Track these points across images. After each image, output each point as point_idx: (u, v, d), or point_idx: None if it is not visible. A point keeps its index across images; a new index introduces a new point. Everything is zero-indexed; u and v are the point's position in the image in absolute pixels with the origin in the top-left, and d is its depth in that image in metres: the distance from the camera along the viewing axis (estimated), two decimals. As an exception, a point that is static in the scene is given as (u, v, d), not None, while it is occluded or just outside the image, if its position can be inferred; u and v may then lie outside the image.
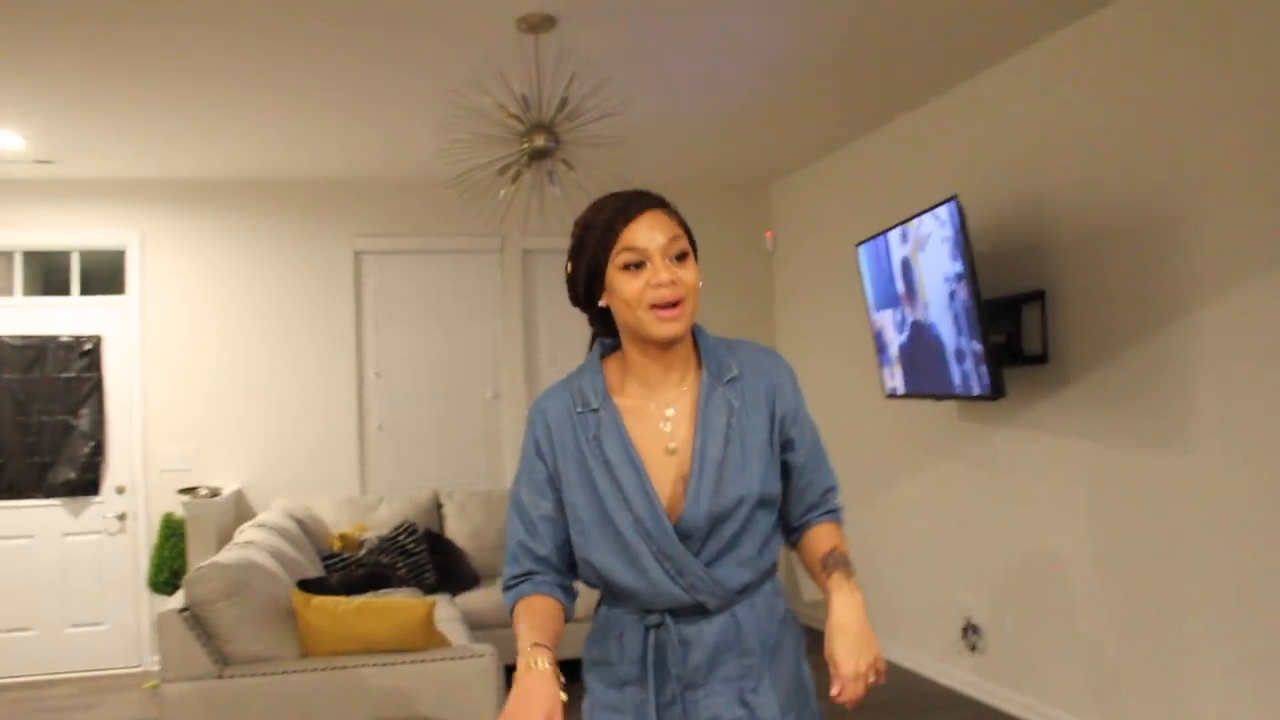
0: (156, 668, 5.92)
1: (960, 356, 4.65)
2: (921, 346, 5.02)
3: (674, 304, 1.79)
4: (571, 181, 4.58)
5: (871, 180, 6.20)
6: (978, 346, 4.46)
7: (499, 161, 4.43)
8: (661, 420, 1.88)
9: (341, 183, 6.90)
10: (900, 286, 5.13)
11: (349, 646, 3.88)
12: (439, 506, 6.57)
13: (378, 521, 6.28)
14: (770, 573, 1.96)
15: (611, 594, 1.92)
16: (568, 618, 1.91)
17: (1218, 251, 3.82)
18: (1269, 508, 3.62)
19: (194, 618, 3.78)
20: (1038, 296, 4.70)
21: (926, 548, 5.68)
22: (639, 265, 1.79)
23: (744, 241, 7.51)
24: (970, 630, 5.31)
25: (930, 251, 4.73)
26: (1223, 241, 3.80)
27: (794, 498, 1.98)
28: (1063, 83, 4.59)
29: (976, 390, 4.58)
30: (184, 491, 6.21)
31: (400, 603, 4.02)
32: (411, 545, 5.96)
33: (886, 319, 5.38)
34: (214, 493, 6.27)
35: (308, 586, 4.31)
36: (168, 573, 6.07)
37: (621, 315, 1.83)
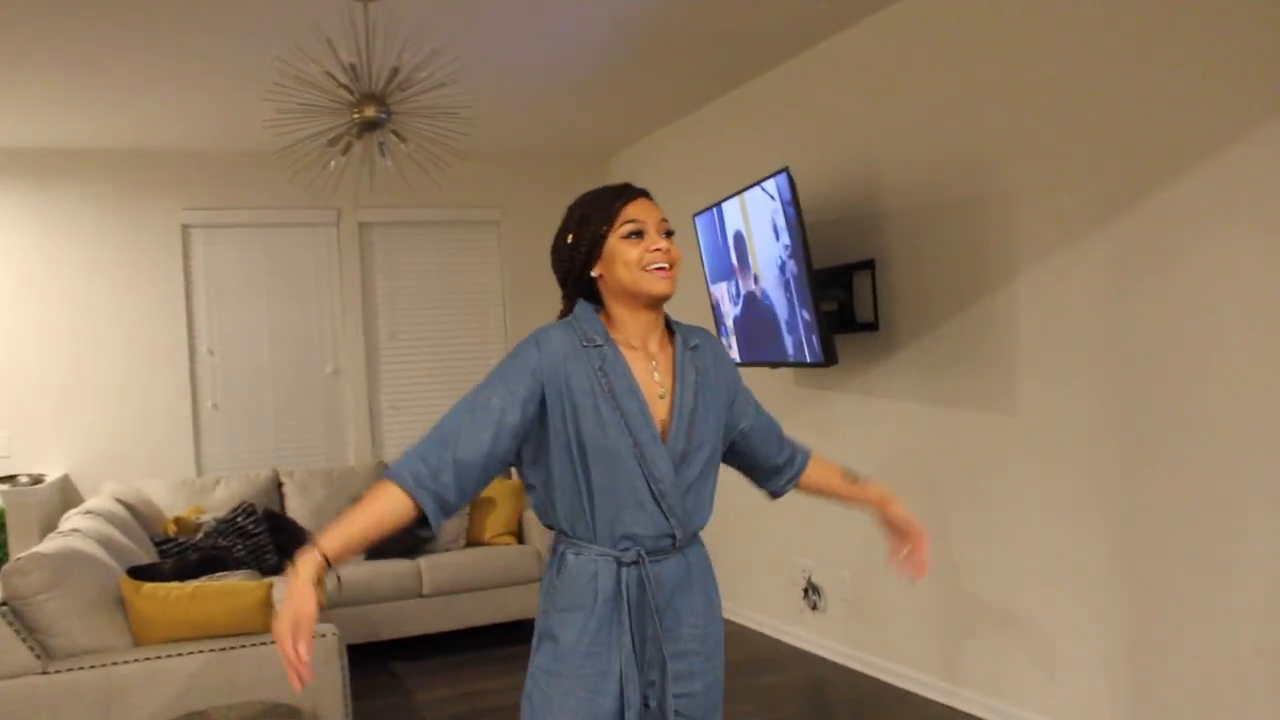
0: (-22, 664, 5.65)
1: (792, 326, 4.76)
2: (755, 317, 5.12)
3: (668, 267, 2.10)
4: (403, 153, 4.51)
5: (708, 152, 6.28)
6: (809, 315, 4.58)
7: (328, 132, 4.33)
8: (651, 370, 2.14)
9: (167, 153, 6.63)
10: (733, 259, 5.22)
11: (183, 633, 3.77)
12: (279, 485, 6.42)
13: (215, 503, 6.10)
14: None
15: (588, 528, 2.08)
16: (410, 527, 2.00)
17: (1032, 225, 4.02)
18: (1090, 463, 3.84)
19: (13, 612, 3.61)
20: (868, 265, 4.85)
21: (767, 509, 5.77)
22: (639, 235, 2.10)
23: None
24: (811, 590, 5.48)
25: (762, 223, 4.82)
26: (1036, 216, 3.99)
27: (769, 442, 2.36)
28: (890, 59, 4.73)
29: (809, 358, 4.70)
30: (2, 480, 5.92)
31: (236, 586, 3.92)
32: (250, 526, 5.82)
33: (722, 291, 5.46)
34: (36, 480, 5.99)
35: (138, 574, 4.17)
36: (-13, 565, 5.78)
37: (620, 277, 2.09)
